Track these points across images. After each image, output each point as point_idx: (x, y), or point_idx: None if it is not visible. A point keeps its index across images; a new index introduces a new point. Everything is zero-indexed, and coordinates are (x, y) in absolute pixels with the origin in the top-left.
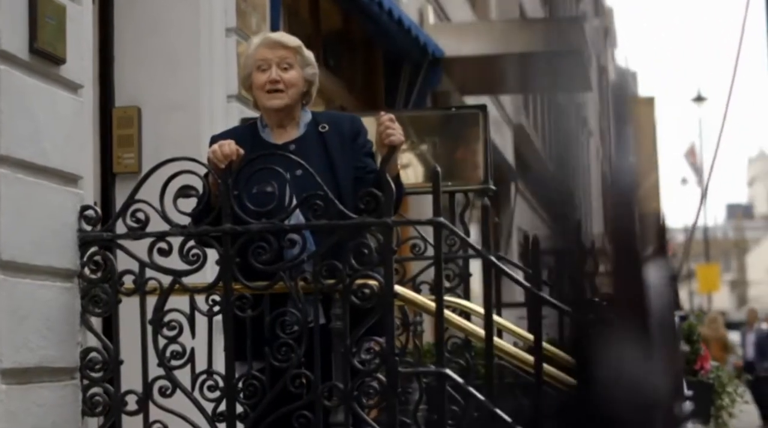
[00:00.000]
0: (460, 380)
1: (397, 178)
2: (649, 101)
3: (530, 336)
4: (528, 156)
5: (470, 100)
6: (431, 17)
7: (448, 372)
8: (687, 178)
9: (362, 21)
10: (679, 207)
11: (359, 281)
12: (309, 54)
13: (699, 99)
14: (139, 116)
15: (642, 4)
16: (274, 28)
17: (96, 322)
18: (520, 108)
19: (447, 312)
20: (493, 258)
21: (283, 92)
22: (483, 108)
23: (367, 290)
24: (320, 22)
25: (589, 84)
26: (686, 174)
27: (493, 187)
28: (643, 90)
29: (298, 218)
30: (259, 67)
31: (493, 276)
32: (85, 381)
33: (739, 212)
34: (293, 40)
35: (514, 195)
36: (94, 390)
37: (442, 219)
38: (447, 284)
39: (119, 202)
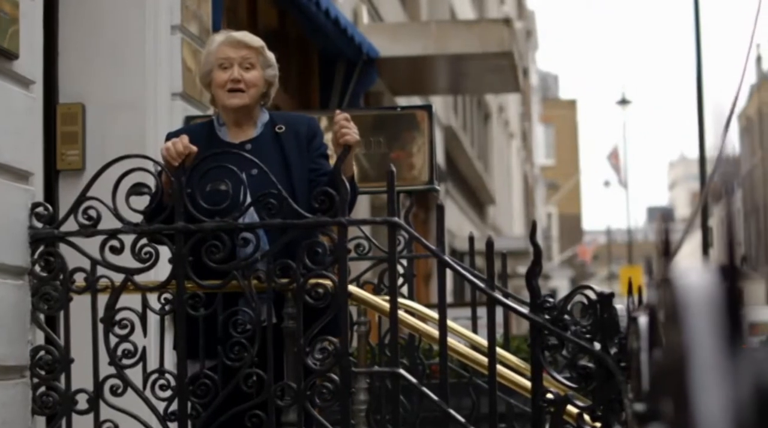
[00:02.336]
0: (414, 380)
1: (351, 178)
2: (571, 104)
3: (473, 335)
4: (457, 157)
5: (401, 100)
6: (365, 17)
7: (402, 372)
8: (609, 180)
9: (299, 20)
10: (601, 209)
11: (313, 281)
12: (270, 55)
13: (623, 102)
14: (83, 112)
15: (565, 7)
16: (216, 26)
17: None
18: (450, 109)
19: (400, 313)
20: (448, 259)
21: (243, 92)
22: (429, 108)
23: (320, 290)
24: (258, 20)
25: (518, 85)
26: (609, 177)
27: (438, 187)
28: (565, 92)
29: (252, 217)
30: (220, 65)
31: (445, 276)
32: (35, 380)
33: (660, 215)
34: (256, 41)
35: (443, 196)
36: (45, 388)
37: (396, 219)
38: None
39: (63, 199)
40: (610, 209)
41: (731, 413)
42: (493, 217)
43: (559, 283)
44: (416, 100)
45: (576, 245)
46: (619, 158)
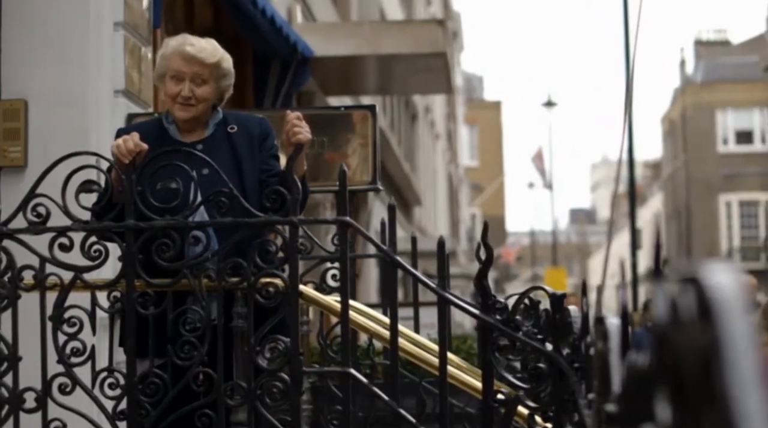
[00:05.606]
0: (364, 380)
1: (302, 177)
2: (496, 105)
3: (415, 335)
4: (385, 157)
5: (333, 100)
6: (299, 17)
7: (353, 372)
8: (534, 182)
9: (235, 18)
10: (525, 211)
11: (264, 280)
12: (227, 65)
13: (549, 104)
14: (25, 109)
15: (491, 9)
16: (155, 24)
17: None
18: (379, 109)
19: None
20: (398, 259)
21: (193, 106)
22: (372, 108)
23: (271, 289)
24: (194, 18)
25: (450, 86)
26: (533, 178)
27: (380, 187)
28: (490, 94)
29: (202, 216)
30: (172, 77)
31: (396, 277)
32: None
33: (582, 217)
34: (211, 56)
35: (372, 197)
36: None
37: (348, 218)
38: (333, 283)
39: (5, 196)
40: (534, 210)
41: None
42: (418, 218)
43: None
44: (347, 100)
45: (500, 246)
46: (543, 160)
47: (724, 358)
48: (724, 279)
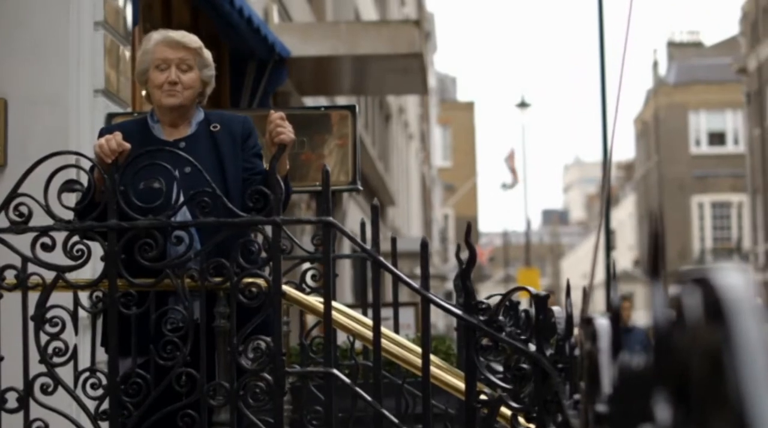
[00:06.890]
0: (347, 380)
1: (285, 177)
2: (469, 106)
3: (394, 335)
4: (360, 157)
5: (308, 100)
6: (275, 17)
7: (336, 372)
8: (506, 183)
9: (212, 18)
10: (497, 211)
11: (247, 280)
12: (208, 55)
13: (523, 105)
14: (4, 108)
15: (464, 9)
16: (134, 23)
17: None
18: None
19: (333, 313)
20: (381, 259)
21: (179, 92)
22: (352, 108)
23: (254, 289)
24: (172, 18)
25: (426, 87)
26: (506, 179)
27: (360, 187)
28: (463, 95)
29: (184, 215)
30: (157, 66)
31: (380, 277)
32: None
33: (555, 218)
34: (194, 41)
35: (347, 197)
36: None
37: (332, 219)
38: (313, 284)
39: None
40: (507, 211)
41: None
42: (392, 218)
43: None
44: (322, 101)
45: None
46: (515, 161)
47: (736, 359)
48: (734, 280)
